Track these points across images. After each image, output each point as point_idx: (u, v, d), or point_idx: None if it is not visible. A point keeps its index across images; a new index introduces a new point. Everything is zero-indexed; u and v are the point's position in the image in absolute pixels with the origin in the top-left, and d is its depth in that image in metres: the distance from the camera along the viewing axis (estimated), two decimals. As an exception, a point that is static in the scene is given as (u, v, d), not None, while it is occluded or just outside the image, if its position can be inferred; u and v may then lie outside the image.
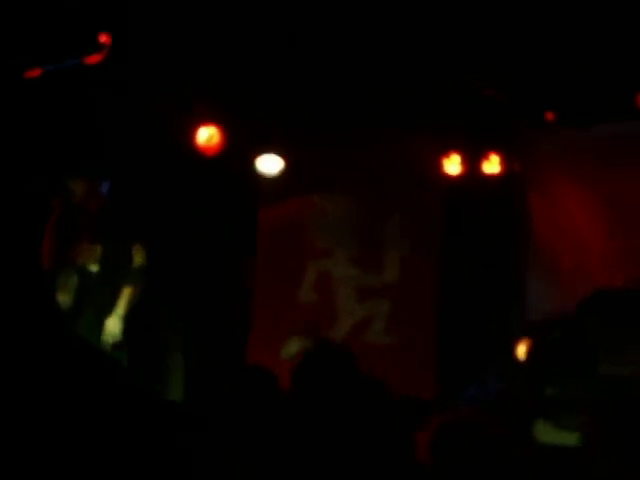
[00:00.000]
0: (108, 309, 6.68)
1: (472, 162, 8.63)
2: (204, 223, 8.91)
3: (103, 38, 6.71)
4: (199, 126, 8.27)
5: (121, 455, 1.68)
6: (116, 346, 6.64)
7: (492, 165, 8.62)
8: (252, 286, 9.11)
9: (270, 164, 8.64)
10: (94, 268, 6.73)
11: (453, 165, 8.66)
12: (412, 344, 8.65)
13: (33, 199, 6.73)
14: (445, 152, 8.65)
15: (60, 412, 1.67)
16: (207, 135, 8.28)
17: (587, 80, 7.76)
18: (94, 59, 6.78)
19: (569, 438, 4.34)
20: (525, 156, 8.70)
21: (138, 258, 6.88)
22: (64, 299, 6.37)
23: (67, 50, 6.67)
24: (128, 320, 6.80)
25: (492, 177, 8.64)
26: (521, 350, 6.78)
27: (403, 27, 7.19)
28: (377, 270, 8.98)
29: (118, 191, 7.36)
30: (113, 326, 6.66)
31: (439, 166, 8.67)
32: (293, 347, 8.91)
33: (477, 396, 6.60)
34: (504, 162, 8.62)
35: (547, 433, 3.57)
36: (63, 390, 1.70)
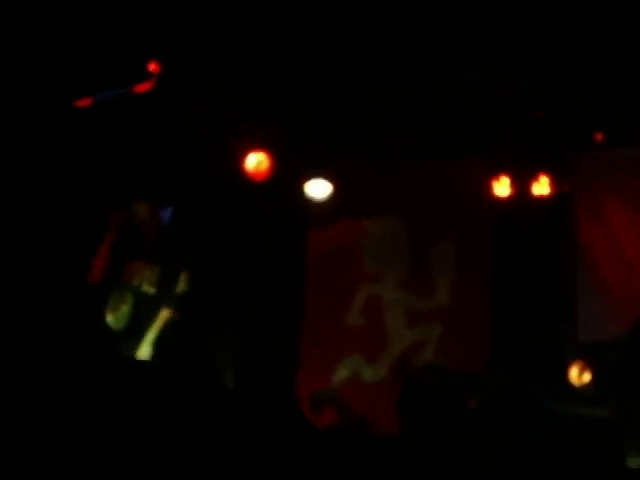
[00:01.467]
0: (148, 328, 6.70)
1: (521, 184, 8.59)
2: (254, 248, 8.96)
3: (152, 66, 6.79)
4: (248, 152, 8.33)
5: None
6: None
7: (541, 187, 8.58)
8: (302, 311, 9.13)
9: (319, 189, 8.67)
10: (150, 290, 6.77)
11: (502, 187, 8.63)
12: (463, 367, 8.59)
13: (96, 216, 6.83)
14: (494, 174, 8.62)
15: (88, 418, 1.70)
16: (256, 161, 8.34)
17: (637, 100, 7.71)
18: (143, 87, 6.86)
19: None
20: (574, 178, 8.64)
21: (182, 284, 6.91)
22: (115, 317, 6.41)
23: (117, 79, 6.76)
24: (160, 345, 6.79)
25: (542, 199, 8.59)
26: (573, 372, 6.73)
27: (450, 50, 7.20)
28: (427, 294, 8.95)
29: (178, 216, 7.42)
30: (144, 351, 6.67)
31: (488, 188, 8.64)
32: (344, 372, 8.91)
33: (528, 420, 6.55)
34: (553, 184, 8.57)
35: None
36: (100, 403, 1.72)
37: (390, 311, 9.00)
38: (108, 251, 6.47)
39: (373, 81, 7.63)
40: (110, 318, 6.30)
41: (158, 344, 6.61)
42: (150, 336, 6.66)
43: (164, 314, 6.73)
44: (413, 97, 7.89)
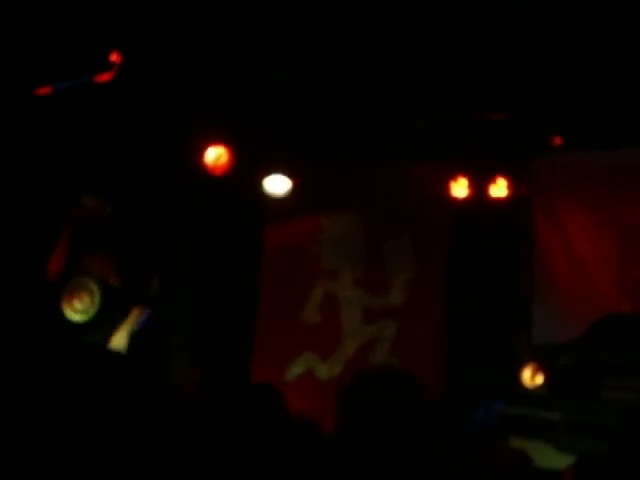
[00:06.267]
0: (118, 325, 6.66)
1: (479, 185, 8.65)
2: (210, 241, 8.92)
3: (114, 57, 6.73)
4: (207, 146, 8.29)
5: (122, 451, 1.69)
6: None
7: (499, 189, 8.64)
8: (257, 307, 9.11)
9: (278, 184, 8.65)
10: (115, 282, 6.73)
11: (460, 188, 8.68)
12: (419, 366, 8.62)
13: (46, 212, 6.76)
14: (453, 175, 8.67)
15: (63, 412, 1.68)
16: (215, 155, 8.30)
17: (595, 105, 7.78)
18: (104, 78, 6.80)
19: (567, 461, 4.32)
20: (532, 180, 8.71)
21: (154, 285, 6.87)
22: (81, 305, 6.35)
23: (78, 68, 6.70)
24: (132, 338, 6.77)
25: (499, 201, 8.65)
26: (526, 374, 6.77)
27: (410, 54, 7.22)
28: (383, 292, 8.97)
29: (125, 208, 7.36)
30: (118, 341, 6.62)
31: (446, 189, 8.69)
32: (298, 368, 8.90)
33: (483, 420, 6.59)
34: (511, 186, 8.64)
35: (546, 456, 3.58)
36: (68, 392, 1.71)
37: (346, 308, 9.01)
38: (65, 247, 6.41)
39: (333, 80, 7.64)
40: (75, 306, 6.25)
41: (132, 337, 6.58)
42: (125, 327, 6.61)
43: (135, 312, 6.69)
44: (373, 97, 7.90)
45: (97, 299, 6.34)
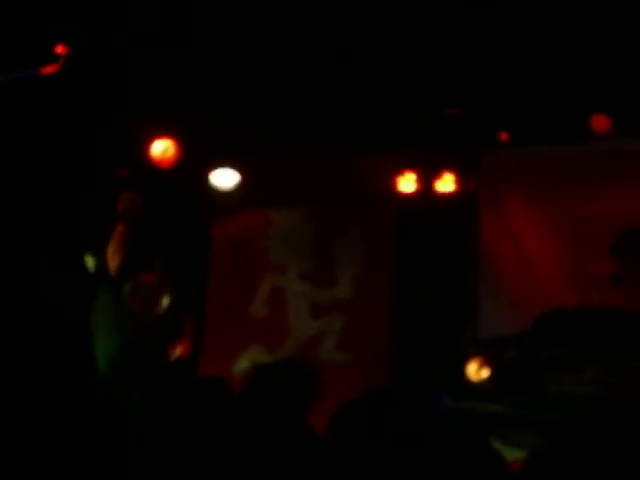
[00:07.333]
0: None
1: (426, 180, 8.68)
2: (158, 236, 8.86)
3: (59, 49, 6.66)
4: (154, 139, 8.24)
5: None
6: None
7: (446, 184, 8.69)
8: (205, 301, 9.07)
9: (225, 178, 8.62)
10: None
11: (408, 183, 8.72)
12: (365, 361, 8.66)
13: None
14: (400, 170, 8.69)
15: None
16: (162, 148, 8.25)
17: (541, 102, 7.85)
18: (50, 70, 6.73)
19: (517, 455, 4.36)
20: (479, 175, 8.77)
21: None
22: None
23: (23, 60, 6.62)
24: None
25: (446, 195, 8.69)
26: (472, 368, 6.82)
27: (359, 48, 7.22)
28: (330, 286, 8.98)
29: (73, 204, 7.31)
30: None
31: (394, 184, 8.72)
32: (245, 362, 8.88)
33: (429, 413, 6.61)
34: (458, 181, 8.69)
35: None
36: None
37: (293, 302, 9.01)
38: (123, 242, 6.38)
39: (281, 73, 7.63)
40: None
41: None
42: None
43: None
44: (322, 90, 7.90)
45: None
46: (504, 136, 8.38)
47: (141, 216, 6.65)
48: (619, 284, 7.68)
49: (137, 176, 8.36)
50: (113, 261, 6.25)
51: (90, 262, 6.64)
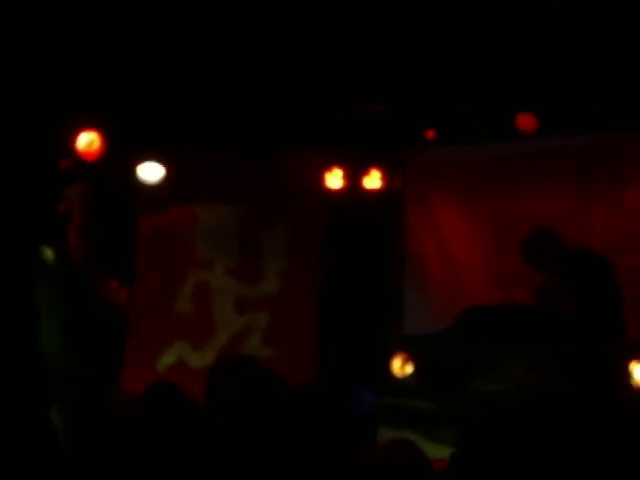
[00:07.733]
0: None
1: (353, 177, 8.71)
2: (83, 230, 8.76)
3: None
4: (80, 131, 8.15)
5: None
6: None
7: (373, 180, 8.73)
8: (130, 294, 8.99)
9: (151, 172, 8.55)
10: None
11: (335, 179, 8.74)
12: (291, 357, 8.65)
13: None
14: (327, 166, 8.71)
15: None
16: (87, 140, 8.16)
17: (467, 100, 7.92)
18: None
19: (440, 452, 4.40)
20: (405, 173, 8.82)
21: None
22: None
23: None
24: None
25: (373, 192, 8.73)
26: (395, 364, 6.85)
27: (284, 44, 7.22)
28: (256, 281, 8.96)
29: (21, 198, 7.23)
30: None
31: (321, 180, 8.73)
32: (169, 358, 8.83)
33: (354, 410, 6.64)
34: (385, 178, 8.74)
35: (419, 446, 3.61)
36: None
37: (218, 298, 8.97)
38: None
39: (207, 67, 7.60)
40: None
41: None
42: None
43: None
44: (249, 87, 7.88)
45: None
46: (430, 134, 8.45)
47: (93, 206, 6.61)
48: (522, 283, 7.74)
49: (81, 167, 8.30)
50: (77, 252, 6.18)
51: (49, 254, 6.59)
